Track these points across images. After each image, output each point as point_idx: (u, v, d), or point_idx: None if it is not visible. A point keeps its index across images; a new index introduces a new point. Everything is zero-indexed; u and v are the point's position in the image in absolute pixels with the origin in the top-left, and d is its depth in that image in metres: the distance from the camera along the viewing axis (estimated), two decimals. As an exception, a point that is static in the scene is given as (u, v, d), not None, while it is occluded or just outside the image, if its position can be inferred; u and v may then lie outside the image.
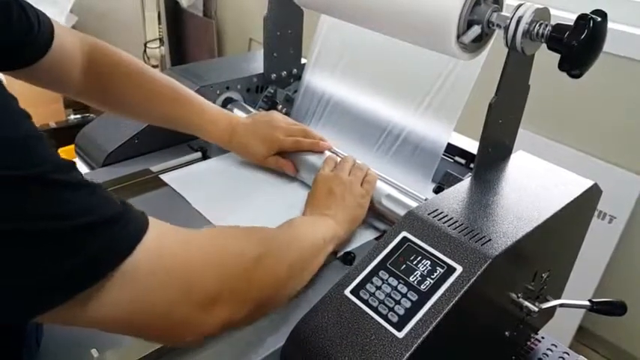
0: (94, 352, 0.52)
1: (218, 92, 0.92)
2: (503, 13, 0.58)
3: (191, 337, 0.44)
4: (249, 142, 0.81)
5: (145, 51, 2.45)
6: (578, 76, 0.52)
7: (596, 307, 0.62)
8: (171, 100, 0.78)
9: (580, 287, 1.48)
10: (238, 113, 0.92)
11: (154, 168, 0.83)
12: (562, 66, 0.52)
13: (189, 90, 0.80)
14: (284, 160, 0.81)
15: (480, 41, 0.61)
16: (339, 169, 0.72)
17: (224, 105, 0.93)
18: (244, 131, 0.81)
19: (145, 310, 0.40)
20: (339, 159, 0.76)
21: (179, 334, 0.43)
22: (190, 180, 0.81)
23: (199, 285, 0.42)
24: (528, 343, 0.73)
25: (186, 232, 0.45)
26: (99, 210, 0.36)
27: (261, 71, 0.97)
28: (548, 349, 0.73)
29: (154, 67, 2.47)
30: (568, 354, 0.72)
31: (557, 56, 0.53)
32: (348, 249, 0.67)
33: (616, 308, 0.62)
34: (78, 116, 2.44)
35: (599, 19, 0.51)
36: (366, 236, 0.71)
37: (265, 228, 0.56)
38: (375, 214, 0.71)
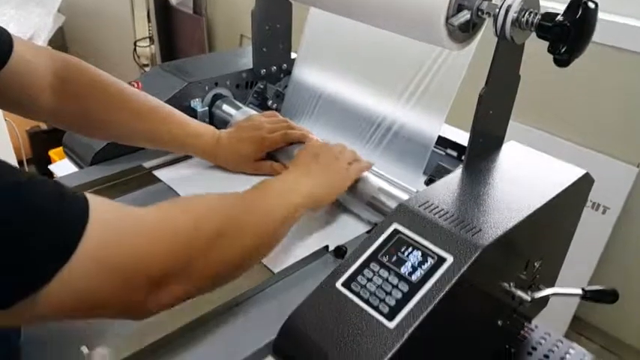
0: (84, 348, 0.52)
1: (207, 88, 0.91)
2: (493, 2, 0.58)
3: (148, 314, 0.44)
4: (238, 147, 0.80)
5: (134, 49, 2.44)
6: (566, 63, 0.52)
7: (589, 295, 0.62)
8: (154, 116, 0.75)
9: (575, 278, 1.48)
10: (228, 109, 0.91)
11: (147, 164, 0.82)
12: (553, 47, 0.52)
13: (169, 105, 0.78)
14: (278, 164, 0.81)
15: (469, 31, 0.61)
16: (329, 145, 0.73)
17: (213, 101, 0.93)
18: (229, 139, 0.80)
19: (95, 303, 0.40)
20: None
21: (135, 312, 0.44)
22: (184, 176, 0.81)
23: (149, 269, 0.42)
24: (522, 332, 0.73)
25: (133, 214, 0.44)
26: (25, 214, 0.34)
27: (251, 67, 0.96)
28: (542, 337, 0.73)
29: (144, 66, 2.46)
30: (562, 342, 0.72)
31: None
32: (340, 243, 0.67)
33: (607, 296, 0.62)
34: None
35: (593, 5, 0.51)
36: (358, 230, 0.70)
37: (233, 195, 0.54)
38: (367, 207, 0.71)
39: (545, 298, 0.72)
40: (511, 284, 0.58)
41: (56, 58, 0.68)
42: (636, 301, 1.49)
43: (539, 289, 0.60)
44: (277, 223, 0.56)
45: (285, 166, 0.80)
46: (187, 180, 0.80)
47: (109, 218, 0.41)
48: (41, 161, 2.06)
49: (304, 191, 0.62)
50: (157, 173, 0.81)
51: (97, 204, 0.40)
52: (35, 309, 0.36)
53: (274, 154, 0.81)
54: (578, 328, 1.64)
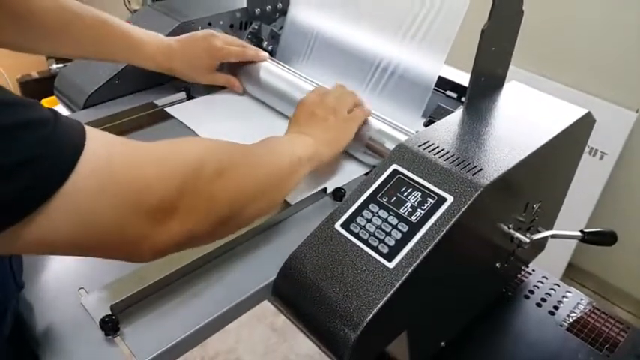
0: (82, 291, 0.52)
1: (200, 29, 0.88)
2: None
3: (147, 253, 0.42)
4: (191, 55, 0.79)
5: (125, -6, 2.35)
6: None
7: (587, 238, 0.62)
8: (92, 27, 0.71)
9: (571, 224, 1.50)
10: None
11: (159, 102, 0.82)
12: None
13: (112, 18, 0.73)
14: (234, 78, 0.83)
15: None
16: (326, 95, 0.69)
17: (207, 43, 0.89)
18: (182, 47, 0.78)
19: (95, 230, 0.38)
20: (329, 88, 0.73)
21: (134, 250, 0.41)
22: (196, 112, 0.80)
23: (151, 197, 0.40)
24: (519, 275, 0.74)
25: (138, 143, 0.42)
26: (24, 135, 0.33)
27: (245, 5, 0.92)
28: (538, 281, 0.73)
29: (134, 11, 2.38)
30: (558, 285, 0.73)
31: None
32: (338, 185, 0.66)
33: (606, 237, 0.62)
34: (60, 65, 2.35)
35: None
36: (357, 172, 0.69)
37: (236, 143, 0.52)
38: (366, 150, 0.70)
39: (543, 241, 0.73)
40: (510, 226, 0.58)
41: None
42: (629, 246, 1.51)
43: (538, 232, 0.60)
44: (280, 174, 0.55)
45: (241, 82, 0.83)
46: (199, 116, 0.79)
47: (112, 140, 0.40)
48: (33, 110, 2.02)
49: (306, 148, 0.60)
50: (170, 110, 0.80)
51: (92, 131, 0.38)
52: (35, 231, 0.35)
53: (234, 72, 0.83)
54: (572, 274, 1.67)
